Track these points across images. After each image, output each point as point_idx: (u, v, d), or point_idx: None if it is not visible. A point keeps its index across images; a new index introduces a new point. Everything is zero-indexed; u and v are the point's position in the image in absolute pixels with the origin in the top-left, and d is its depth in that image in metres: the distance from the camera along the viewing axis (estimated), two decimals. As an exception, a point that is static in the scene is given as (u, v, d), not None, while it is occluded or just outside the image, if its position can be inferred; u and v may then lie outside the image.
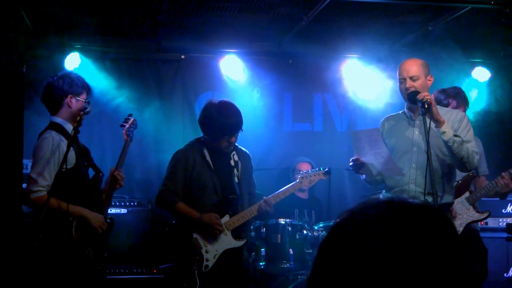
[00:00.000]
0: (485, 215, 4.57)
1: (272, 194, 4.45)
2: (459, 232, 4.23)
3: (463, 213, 4.53)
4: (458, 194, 4.54)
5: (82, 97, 3.99)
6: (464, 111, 4.77)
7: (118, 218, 5.32)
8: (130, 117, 4.29)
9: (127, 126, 4.22)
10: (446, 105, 4.69)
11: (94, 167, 4.11)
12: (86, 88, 4.05)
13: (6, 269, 4.15)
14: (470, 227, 4.58)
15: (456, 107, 4.69)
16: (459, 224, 4.46)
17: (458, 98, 4.85)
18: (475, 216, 4.54)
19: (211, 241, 4.28)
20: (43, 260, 3.68)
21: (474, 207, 4.58)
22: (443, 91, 4.90)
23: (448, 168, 3.98)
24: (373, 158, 3.88)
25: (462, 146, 3.75)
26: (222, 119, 4.20)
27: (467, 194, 4.60)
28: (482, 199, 4.72)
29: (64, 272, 3.74)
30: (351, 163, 4.01)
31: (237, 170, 4.45)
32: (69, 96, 3.94)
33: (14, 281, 3.95)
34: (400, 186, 3.98)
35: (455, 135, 3.76)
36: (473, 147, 3.86)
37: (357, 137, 4.01)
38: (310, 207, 5.32)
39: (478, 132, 6.18)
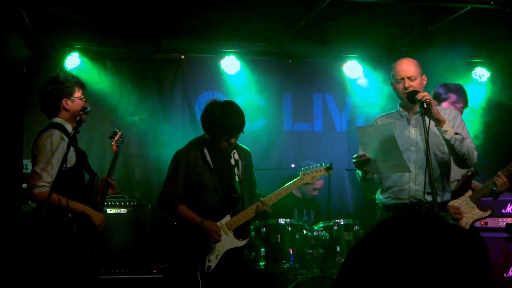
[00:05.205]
0: (489, 212, 4.55)
1: (271, 194, 4.42)
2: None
3: (468, 212, 4.51)
4: (460, 193, 4.54)
5: (77, 95, 3.98)
6: (463, 108, 4.79)
7: (118, 218, 5.33)
8: (118, 131, 4.36)
9: (116, 138, 4.30)
10: (446, 99, 4.77)
11: (89, 171, 4.12)
12: (78, 84, 4.02)
13: (6, 269, 4.15)
14: (473, 226, 4.56)
15: (455, 102, 4.75)
16: (465, 223, 4.45)
17: (458, 93, 4.85)
18: (479, 214, 4.54)
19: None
20: (42, 259, 3.68)
21: (477, 206, 4.57)
22: (444, 85, 4.92)
23: (446, 166, 4.02)
24: (381, 154, 3.84)
25: (463, 143, 3.78)
26: (225, 118, 4.19)
27: (469, 192, 4.59)
28: (481, 199, 4.71)
29: (63, 270, 3.74)
30: (354, 160, 3.97)
31: (238, 169, 4.41)
32: (63, 100, 3.95)
33: (13, 280, 3.95)
34: (399, 185, 3.97)
35: (456, 133, 3.78)
36: (471, 143, 3.91)
37: (365, 133, 3.97)
38: (309, 207, 5.32)
39: (478, 131, 6.22)
